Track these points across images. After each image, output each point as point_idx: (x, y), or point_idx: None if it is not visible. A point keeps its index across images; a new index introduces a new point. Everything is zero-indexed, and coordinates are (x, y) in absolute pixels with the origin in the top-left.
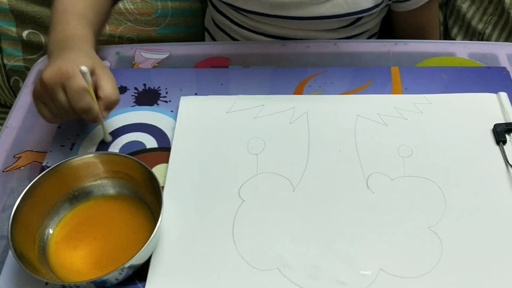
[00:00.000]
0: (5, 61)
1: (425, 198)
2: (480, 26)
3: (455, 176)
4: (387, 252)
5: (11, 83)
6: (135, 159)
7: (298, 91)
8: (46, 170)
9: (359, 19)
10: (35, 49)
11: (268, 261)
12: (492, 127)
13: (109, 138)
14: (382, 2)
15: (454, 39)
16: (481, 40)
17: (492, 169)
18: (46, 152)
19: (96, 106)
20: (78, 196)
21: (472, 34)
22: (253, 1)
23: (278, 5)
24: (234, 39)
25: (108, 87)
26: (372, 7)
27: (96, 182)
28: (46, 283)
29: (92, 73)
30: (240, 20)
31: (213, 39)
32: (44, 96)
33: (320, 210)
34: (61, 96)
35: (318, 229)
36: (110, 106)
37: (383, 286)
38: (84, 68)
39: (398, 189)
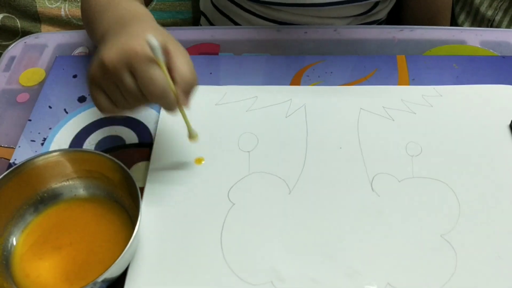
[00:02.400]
0: None
1: (436, 202)
2: (489, 13)
3: (469, 177)
4: (395, 264)
5: None
6: (110, 156)
7: (295, 82)
8: (8, 171)
9: (376, 5)
10: (10, 35)
11: (260, 274)
12: (509, 122)
13: (195, 136)
14: None
15: (462, 27)
16: (491, 27)
17: (510, 169)
18: (14, 148)
19: (172, 89)
20: (46, 199)
21: (480, 21)
22: None
23: None
24: (238, 25)
25: (184, 68)
26: None
27: (66, 183)
28: None
29: (164, 50)
30: (251, 7)
31: (212, 24)
32: (105, 81)
33: (319, 216)
34: (128, 80)
35: (317, 237)
36: (188, 90)
37: None
38: (153, 41)
39: (406, 192)
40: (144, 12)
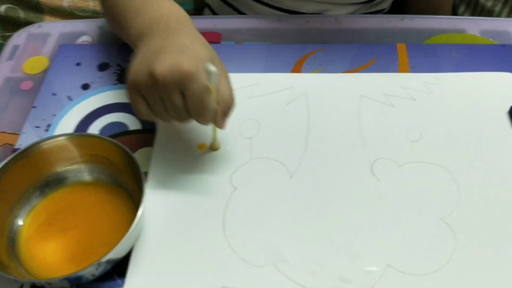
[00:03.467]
0: None
1: (436, 186)
2: (489, 4)
3: (468, 162)
4: (395, 247)
5: None
6: (114, 141)
7: (296, 70)
8: (14, 154)
9: None
10: (13, 25)
11: (263, 255)
12: (508, 109)
13: (219, 146)
14: None
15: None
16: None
17: (508, 155)
18: (19, 134)
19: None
20: (51, 183)
21: (480, 12)
22: None
23: None
24: (243, 14)
25: (227, 90)
26: None
27: (71, 167)
28: (15, 280)
29: None
30: None
31: (216, 15)
32: (150, 91)
33: (320, 200)
34: (178, 100)
35: (319, 220)
36: (228, 112)
37: (390, 284)
38: (212, 68)
39: (406, 176)
40: (184, 15)
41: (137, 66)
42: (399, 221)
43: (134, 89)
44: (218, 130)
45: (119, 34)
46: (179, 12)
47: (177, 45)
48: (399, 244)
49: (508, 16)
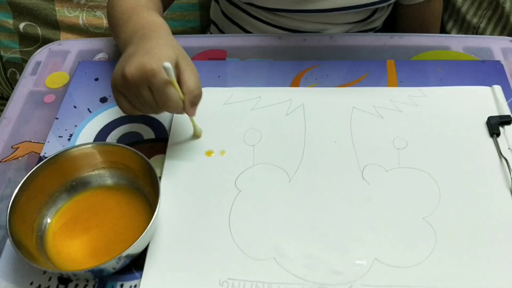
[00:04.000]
0: (2, 53)
1: (419, 189)
2: (475, 20)
3: (449, 168)
4: (382, 242)
5: (8, 75)
6: (133, 149)
7: (295, 84)
8: (44, 160)
9: (374, 12)
10: (31, 41)
11: (264, 250)
12: (486, 119)
13: (199, 134)
14: None
15: (449, 33)
16: (476, 34)
17: (485, 161)
18: (43, 143)
19: (182, 100)
20: (76, 186)
21: (467, 28)
22: None
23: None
24: (247, 31)
25: (191, 81)
26: None
27: (94, 172)
28: (44, 272)
29: (176, 65)
30: (260, 14)
31: (222, 32)
32: (126, 90)
33: (315, 201)
34: (147, 94)
35: (314, 219)
36: (194, 101)
37: (377, 275)
38: (167, 64)
39: (393, 180)
40: (160, 23)
41: (116, 70)
42: (386, 220)
43: (115, 89)
44: (197, 118)
45: (118, 43)
46: (156, 21)
47: (145, 48)
48: (385, 240)
49: (492, 32)
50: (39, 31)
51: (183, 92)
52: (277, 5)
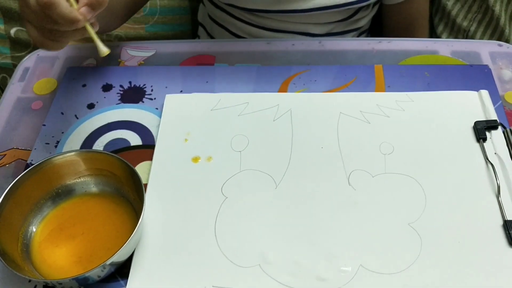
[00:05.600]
0: None
1: (405, 194)
2: (465, 24)
3: (435, 173)
4: (367, 249)
5: None
6: (117, 156)
7: (283, 89)
8: (29, 168)
9: (357, 11)
10: (23, 47)
11: (249, 258)
12: (472, 124)
13: (104, 49)
14: None
15: (440, 37)
16: (466, 37)
17: (472, 166)
18: (31, 150)
19: (72, 4)
20: (61, 194)
21: (457, 32)
22: None
23: (280, 0)
24: (234, 34)
25: None
26: None
27: (79, 180)
28: (29, 280)
29: None
30: (242, 15)
31: (210, 35)
32: (26, 13)
33: (301, 207)
34: (32, 1)
35: (300, 226)
36: (93, 4)
37: (362, 282)
38: None
39: (379, 186)
40: None
41: None
42: (372, 225)
43: (24, 21)
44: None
45: None
46: None
47: None
48: (371, 246)
49: (483, 35)
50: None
51: None
52: (256, 5)
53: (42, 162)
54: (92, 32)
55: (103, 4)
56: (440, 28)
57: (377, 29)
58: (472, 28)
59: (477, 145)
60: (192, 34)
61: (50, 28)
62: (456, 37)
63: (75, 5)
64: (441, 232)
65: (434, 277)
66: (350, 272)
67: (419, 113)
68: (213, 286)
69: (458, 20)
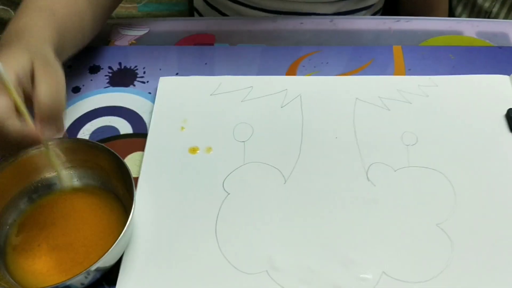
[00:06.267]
0: None
1: (432, 191)
2: (486, 4)
3: (465, 167)
4: (390, 253)
5: None
6: (104, 146)
7: (291, 72)
8: (1, 160)
9: None
10: (5, 26)
11: (255, 263)
12: (505, 112)
13: (66, 181)
14: None
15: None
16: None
17: (505, 159)
18: None
19: (27, 119)
20: (40, 189)
21: (478, 13)
22: None
23: None
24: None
25: (42, 90)
26: None
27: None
28: None
29: (31, 73)
30: None
31: None
32: None
33: (314, 206)
34: None
35: (312, 227)
36: (47, 116)
37: None
38: None
39: (402, 181)
40: (40, 26)
41: None
42: (395, 227)
43: None
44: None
45: None
46: (34, 24)
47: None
48: (394, 250)
49: (506, 17)
50: (13, 15)
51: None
52: None
53: (17, 153)
54: (52, 155)
55: (58, 113)
56: (459, 10)
57: (392, 10)
58: (495, 10)
59: (510, 135)
60: (189, 14)
61: None
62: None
63: (26, 117)
64: (474, 234)
65: (467, 286)
66: (371, 281)
67: (445, 99)
68: None
69: (479, 0)
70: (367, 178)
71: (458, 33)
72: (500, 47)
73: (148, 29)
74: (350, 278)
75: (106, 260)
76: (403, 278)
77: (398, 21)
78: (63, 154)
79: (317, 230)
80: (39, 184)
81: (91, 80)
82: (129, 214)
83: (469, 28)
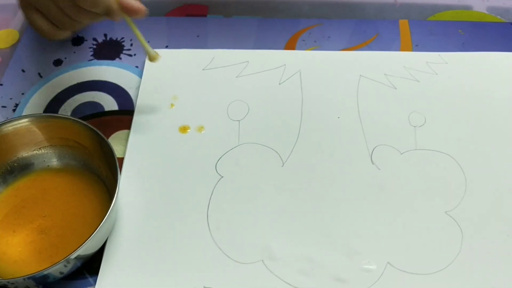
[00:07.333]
0: None
1: (441, 176)
2: None
3: (476, 150)
4: (396, 243)
5: None
6: (86, 123)
7: (290, 46)
8: None
9: None
10: None
11: (250, 252)
12: None
13: (156, 56)
14: None
15: None
16: None
17: None
18: None
19: None
20: (15, 169)
21: None
22: None
23: None
24: None
25: None
26: None
27: (38, 152)
28: None
29: None
30: None
31: None
32: (42, 1)
33: (314, 190)
34: None
35: (312, 214)
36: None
37: (390, 283)
38: None
39: (408, 165)
40: None
41: None
42: (401, 214)
43: (25, 7)
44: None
45: None
46: None
47: None
48: (400, 240)
49: None
50: None
51: None
52: None
53: None
54: (134, 26)
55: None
56: None
57: None
58: None
59: None
60: None
61: (65, 18)
62: None
63: None
64: (485, 222)
65: (478, 279)
66: (376, 271)
67: (455, 77)
68: (205, 287)
69: None
70: (372, 161)
71: (467, 8)
72: (511, 23)
73: None
74: (352, 268)
75: (87, 248)
76: (409, 269)
77: None
78: (41, 131)
79: (318, 217)
80: (15, 164)
81: (74, 52)
82: (113, 198)
83: (479, 2)
